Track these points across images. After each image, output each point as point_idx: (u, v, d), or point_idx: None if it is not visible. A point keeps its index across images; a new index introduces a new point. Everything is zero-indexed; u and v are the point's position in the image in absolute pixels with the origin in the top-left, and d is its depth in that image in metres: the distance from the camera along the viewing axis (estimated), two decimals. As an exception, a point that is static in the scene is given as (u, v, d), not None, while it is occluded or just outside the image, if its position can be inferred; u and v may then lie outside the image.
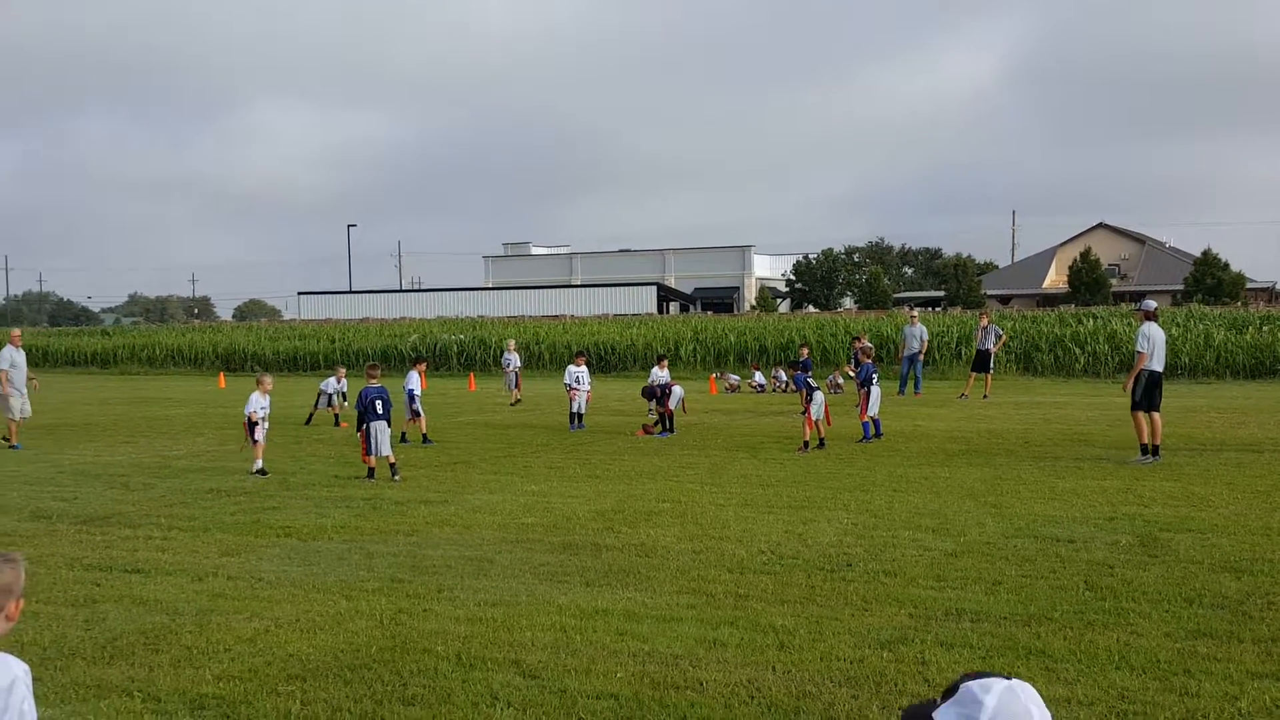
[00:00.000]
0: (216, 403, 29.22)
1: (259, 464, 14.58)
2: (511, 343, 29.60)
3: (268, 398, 15.00)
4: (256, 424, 14.63)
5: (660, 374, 21.29)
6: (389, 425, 14.28)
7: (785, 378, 29.83)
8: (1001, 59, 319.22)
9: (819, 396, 16.82)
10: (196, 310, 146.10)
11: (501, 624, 7.29)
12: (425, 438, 18.57)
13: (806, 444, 16.48)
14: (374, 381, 14.63)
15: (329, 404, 22.58)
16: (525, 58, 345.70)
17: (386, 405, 14.30)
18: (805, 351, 19.20)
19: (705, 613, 7.50)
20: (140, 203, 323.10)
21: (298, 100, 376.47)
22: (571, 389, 20.95)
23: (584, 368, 21.38)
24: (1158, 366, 14.89)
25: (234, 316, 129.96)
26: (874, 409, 17.71)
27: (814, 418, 16.60)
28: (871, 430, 17.60)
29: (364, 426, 14.12)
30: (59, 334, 61.33)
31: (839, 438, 17.58)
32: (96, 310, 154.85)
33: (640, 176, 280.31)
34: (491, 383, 34.65)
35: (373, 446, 14.07)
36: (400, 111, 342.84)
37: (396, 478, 13.96)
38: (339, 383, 22.85)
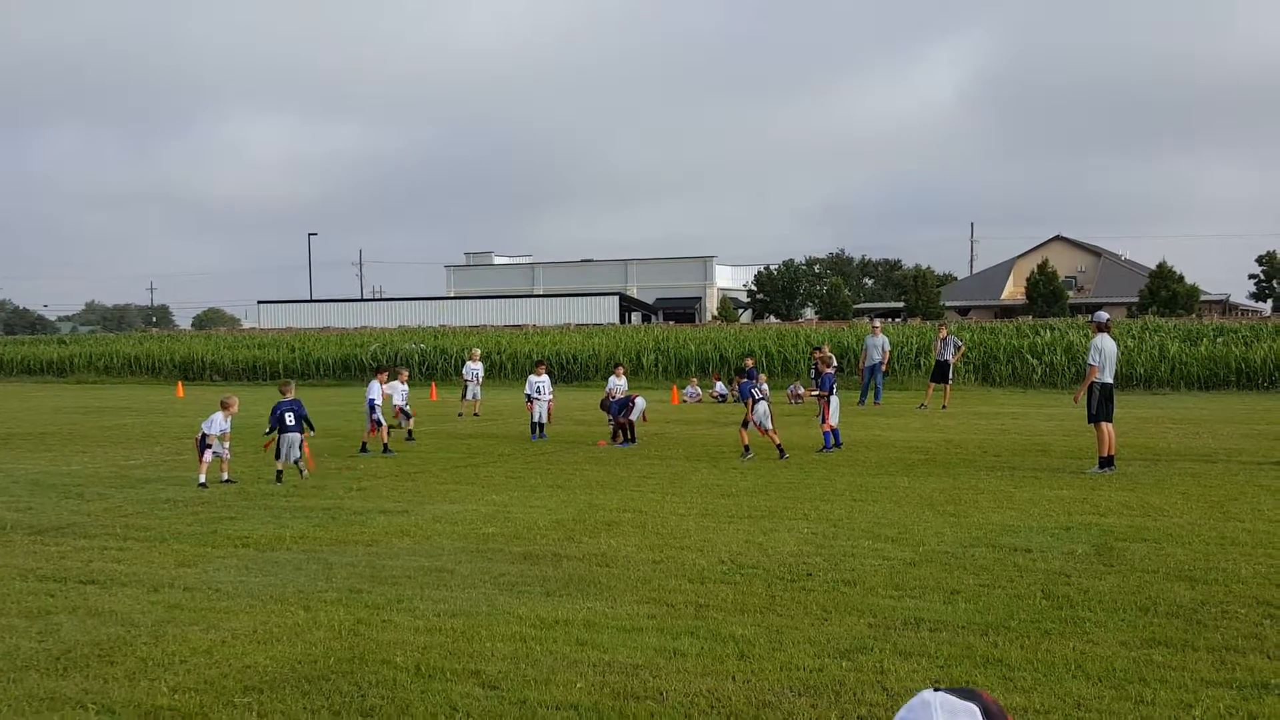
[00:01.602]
0: (174, 412, 28.91)
1: (202, 478, 14.54)
2: (476, 351, 28.89)
3: (229, 420, 15.10)
4: (210, 445, 14.70)
5: (618, 381, 21.29)
6: (300, 435, 15.16)
7: (724, 389, 29.97)
8: (962, 75, 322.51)
9: (761, 406, 16.90)
10: (155, 319, 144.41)
11: (461, 634, 7.26)
12: (385, 447, 18.49)
13: (747, 449, 16.82)
14: (287, 397, 15.55)
15: (405, 415, 20.68)
16: (491, 71, 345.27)
17: (297, 418, 15.23)
18: (750, 361, 19.32)
19: (665, 622, 7.51)
20: (98, 210, 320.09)
21: (261, 111, 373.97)
22: (532, 399, 20.89)
23: (545, 377, 21.32)
24: (1109, 378, 15.09)
25: (193, 325, 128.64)
26: (834, 419, 17.80)
27: (756, 426, 16.75)
28: (832, 440, 17.69)
29: (277, 439, 15.07)
30: (14, 342, 60.49)
31: (800, 448, 17.65)
32: (53, 318, 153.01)
33: (604, 187, 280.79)
34: (454, 391, 34.46)
35: (282, 455, 14.95)
36: (362, 123, 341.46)
37: (279, 483, 14.56)
38: (403, 385, 21.11)
